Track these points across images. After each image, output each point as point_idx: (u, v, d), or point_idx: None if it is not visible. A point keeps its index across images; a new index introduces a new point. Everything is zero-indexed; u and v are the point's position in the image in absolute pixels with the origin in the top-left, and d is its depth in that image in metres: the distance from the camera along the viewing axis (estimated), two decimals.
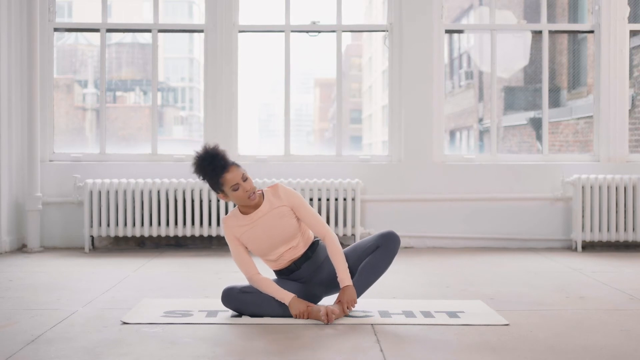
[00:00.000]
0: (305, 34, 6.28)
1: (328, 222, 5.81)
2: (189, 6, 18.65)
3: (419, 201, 6.04)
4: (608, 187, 5.78)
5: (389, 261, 3.40)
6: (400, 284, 4.23)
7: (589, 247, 5.96)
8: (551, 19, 7.55)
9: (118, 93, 9.70)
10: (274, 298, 3.29)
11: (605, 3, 6.07)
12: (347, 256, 3.42)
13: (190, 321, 3.24)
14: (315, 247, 3.43)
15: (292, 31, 6.20)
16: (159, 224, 5.81)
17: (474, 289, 4.13)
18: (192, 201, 5.83)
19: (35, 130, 5.84)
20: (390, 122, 6.18)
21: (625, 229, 5.80)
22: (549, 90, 6.27)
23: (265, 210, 3.34)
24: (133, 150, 6.30)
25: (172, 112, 15.25)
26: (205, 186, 5.75)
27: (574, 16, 8.23)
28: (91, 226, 5.78)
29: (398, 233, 3.48)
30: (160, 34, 6.31)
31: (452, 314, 3.38)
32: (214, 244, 6.01)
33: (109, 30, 6.30)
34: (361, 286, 3.36)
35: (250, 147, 7.01)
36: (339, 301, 3.27)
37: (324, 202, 5.82)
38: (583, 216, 5.80)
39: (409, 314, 3.40)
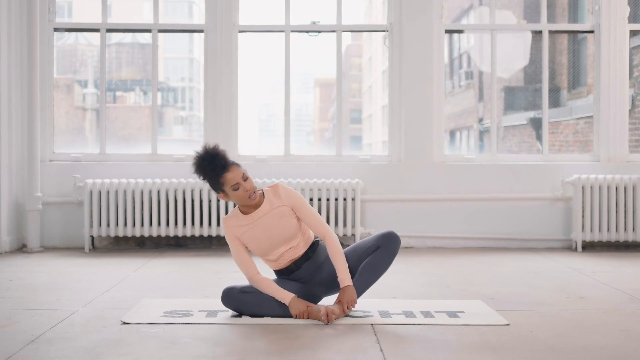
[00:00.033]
0: (305, 34, 6.28)
1: (328, 222, 5.81)
2: (189, 6, 18.65)
3: (419, 201, 6.04)
4: (608, 187, 5.78)
5: (389, 261, 3.40)
6: (400, 284, 4.23)
7: (589, 247, 5.96)
8: (551, 19, 7.55)
9: (118, 93, 9.70)
10: (274, 298, 3.29)
11: (605, 3, 6.07)
12: (348, 256, 3.42)
13: (190, 321, 3.24)
14: (315, 247, 3.43)
15: (292, 31, 6.20)
16: (159, 224, 5.81)
17: (474, 289, 4.13)
18: (192, 201, 5.83)
19: (35, 130, 5.84)
20: (390, 122, 6.18)
21: (625, 229, 5.80)
22: (549, 90, 6.27)
23: (266, 210, 3.34)
24: (133, 150, 6.30)
25: (172, 112, 15.25)
26: (205, 186, 5.75)
27: (574, 16, 8.23)
28: (91, 226, 5.78)
29: (398, 233, 3.48)
30: (160, 34, 6.31)
31: (452, 314, 3.38)
32: (214, 244, 6.01)
33: (109, 30, 6.31)
34: (361, 286, 3.36)
35: (250, 147, 7.01)
36: (339, 301, 3.27)
37: (324, 202, 5.82)
38: (583, 216, 5.80)
39: (409, 314, 3.40)
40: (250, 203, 3.30)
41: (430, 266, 5.06)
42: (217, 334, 3.05)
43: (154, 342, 2.91)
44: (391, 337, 2.99)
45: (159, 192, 5.80)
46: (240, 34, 6.19)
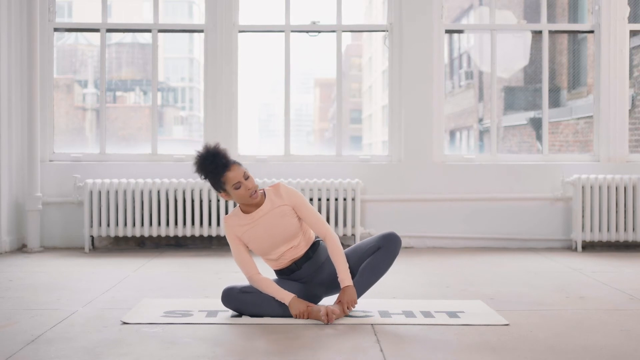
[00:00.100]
0: (305, 34, 6.28)
1: (328, 222, 5.81)
2: (189, 6, 18.65)
3: (419, 201, 6.04)
4: (608, 187, 5.78)
5: (389, 262, 3.40)
6: (400, 284, 4.23)
7: (589, 247, 5.96)
8: (551, 19, 7.55)
9: (118, 93, 9.70)
10: (274, 298, 3.29)
11: (605, 3, 6.07)
12: (348, 257, 3.42)
13: (190, 321, 3.24)
14: (316, 247, 3.43)
15: (292, 31, 6.20)
16: (159, 224, 5.81)
17: (474, 289, 4.13)
18: (192, 201, 5.83)
19: (35, 130, 5.84)
20: (390, 122, 6.18)
21: (625, 229, 5.80)
22: (549, 90, 6.27)
23: (267, 209, 3.34)
24: (133, 150, 6.30)
25: (172, 112, 15.25)
26: (205, 186, 5.75)
27: (574, 16, 8.23)
28: (91, 226, 5.78)
29: (398, 233, 3.48)
30: (160, 34, 6.31)
31: (452, 314, 3.38)
32: (214, 244, 6.01)
33: (109, 30, 6.31)
34: (362, 287, 3.36)
35: (250, 147, 7.01)
36: (339, 301, 3.27)
37: (324, 202, 5.82)
38: (583, 216, 5.80)
39: (409, 314, 3.40)
40: (252, 202, 3.30)
41: (430, 266, 5.07)
42: (217, 334, 3.05)
43: (154, 342, 2.91)
44: (391, 337, 2.99)
45: (159, 192, 5.80)
46: (240, 34, 6.19)
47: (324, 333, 3.05)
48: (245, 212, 3.36)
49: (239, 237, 3.36)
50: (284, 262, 3.40)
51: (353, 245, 3.54)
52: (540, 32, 6.24)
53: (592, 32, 6.22)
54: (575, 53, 8.19)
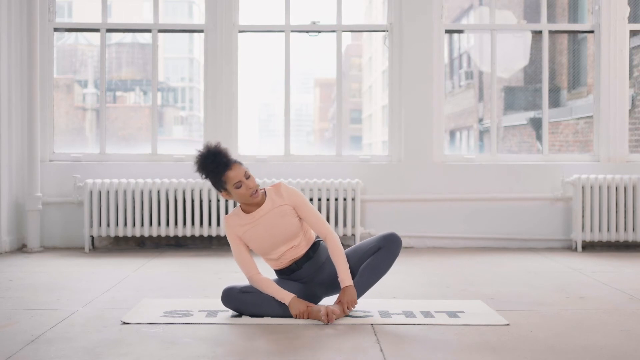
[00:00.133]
0: (305, 34, 6.28)
1: (328, 222, 5.80)
2: (189, 6, 18.64)
3: (419, 201, 6.04)
4: (608, 187, 5.78)
5: (390, 263, 3.40)
6: (400, 284, 4.23)
7: (589, 247, 5.96)
8: (551, 19, 7.55)
9: (118, 93, 9.70)
10: (274, 298, 3.29)
11: (605, 3, 6.07)
12: (348, 257, 3.42)
13: (190, 321, 3.24)
14: (316, 247, 3.43)
15: (292, 31, 6.20)
16: (159, 224, 5.81)
17: (474, 289, 4.13)
18: (192, 201, 5.83)
19: (35, 130, 5.84)
20: (390, 122, 6.18)
21: (625, 229, 5.80)
22: (549, 90, 6.27)
23: (268, 209, 3.34)
24: (133, 150, 6.30)
25: (172, 112, 15.25)
26: (205, 186, 5.75)
27: (574, 16, 8.23)
28: (91, 226, 5.78)
29: (398, 233, 3.48)
30: (160, 34, 6.31)
31: (452, 314, 3.38)
32: (214, 244, 6.01)
33: (109, 30, 6.31)
34: (362, 287, 3.36)
35: (250, 147, 7.01)
36: (339, 301, 3.27)
37: (324, 202, 5.82)
38: (583, 216, 5.80)
39: (409, 314, 3.40)
40: (252, 201, 3.30)
41: (430, 266, 5.07)
42: (217, 334, 3.05)
43: (154, 342, 2.91)
44: (391, 337, 2.99)
45: (159, 192, 5.80)
46: (240, 34, 6.19)
47: (324, 333, 3.05)
48: (246, 211, 3.36)
49: (239, 236, 3.36)
50: (285, 262, 3.40)
51: (353, 246, 3.54)
52: (540, 32, 6.24)
53: (592, 32, 6.22)
54: (575, 53, 8.19)
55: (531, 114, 9.02)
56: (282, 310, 3.28)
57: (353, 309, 3.33)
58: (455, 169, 6.06)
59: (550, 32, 6.33)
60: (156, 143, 6.18)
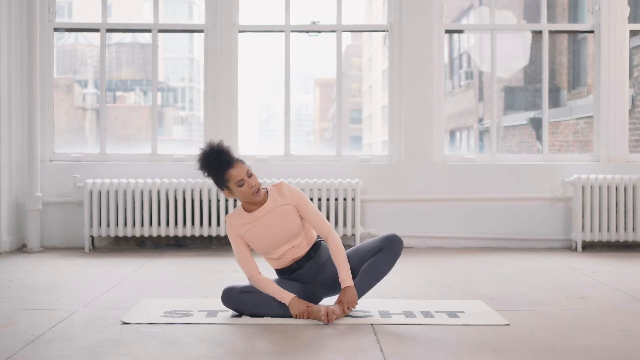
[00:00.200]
0: (305, 34, 6.28)
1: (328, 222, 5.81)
2: (189, 6, 18.64)
3: (419, 201, 6.04)
4: (608, 187, 5.78)
5: (391, 264, 3.40)
6: (400, 284, 4.23)
7: (589, 247, 5.96)
8: (551, 19, 7.55)
9: (118, 93, 9.70)
10: (274, 298, 3.29)
11: (605, 3, 6.07)
12: (350, 257, 3.42)
13: (190, 321, 3.24)
14: (318, 247, 3.43)
15: (292, 31, 6.20)
16: (159, 224, 5.81)
17: (474, 289, 4.13)
18: (192, 201, 5.83)
19: (35, 130, 5.84)
20: (390, 122, 6.18)
21: (625, 229, 5.80)
22: (549, 90, 6.27)
23: (269, 208, 3.34)
24: (133, 150, 6.30)
25: (172, 112, 15.25)
26: (205, 186, 5.75)
27: (574, 16, 8.23)
28: (91, 226, 5.78)
29: (398, 233, 3.49)
30: (160, 34, 6.31)
31: (452, 314, 3.38)
32: (214, 244, 6.01)
33: (109, 30, 6.31)
34: (362, 288, 3.36)
35: (250, 147, 7.01)
36: (339, 301, 3.27)
37: (324, 202, 5.82)
38: (583, 216, 5.80)
39: (409, 314, 3.40)
40: (254, 200, 3.30)
41: (430, 266, 5.07)
42: (217, 334, 3.05)
43: (154, 342, 2.91)
44: (391, 337, 2.99)
45: (159, 192, 5.80)
46: (240, 34, 6.19)
47: (324, 333, 3.05)
48: (247, 210, 3.36)
49: (241, 235, 3.36)
50: (286, 262, 3.40)
51: (355, 246, 3.54)
52: (540, 32, 6.24)
53: (592, 32, 6.22)
54: (575, 53, 8.19)
55: (531, 114, 9.02)
56: (282, 310, 3.28)
57: (353, 309, 3.33)
58: (455, 169, 6.06)
59: (550, 32, 6.33)
60: (156, 143, 6.18)
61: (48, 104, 6.08)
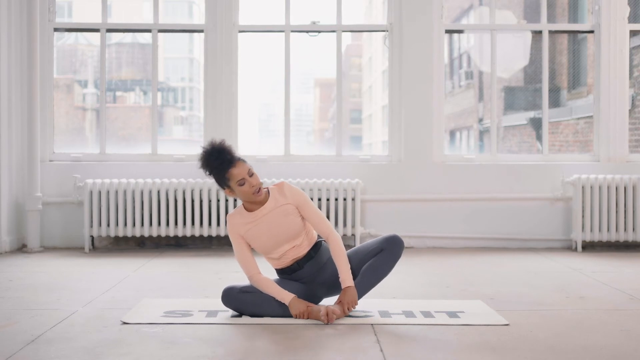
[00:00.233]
0: (305, 34, 6.28)
1: None
2: (189, 6, 18.64)
3: (419, 201, 6.04)
4: (608, 187, 5.78)
5: (391, 265, 3.40)
6: (400, 284, 4.23)
7: (589, 247, 5.96)
8: (551, 19, 7.55)
9: (118, 93, 9.70)
10: (274, 298, 3.29)
11: (605, 3, 6.07)
12: (350, 258, 3.42)
13: (190, 321, 3.24)
14: (318, 248, 3.43)
15: (292, 31, 6.20)
16: (159, 224, 5.81)
17: (474, 289, 4.13)
18: (192, 201, 5.83)
19: (35, 130, 5.84)
20: (390, 122, 6.18)
21: (625, 229, 5.80)
22: (549, 90, 6.27)
23: (270, 208, 3.34)
24: (133, 150, 6.30)
25: (172, 112, 15.25)
26: (205, 186, 5.75)
27: (574, 16, 8.23)
28: (91, 226, 5.78)
29: (398, 233, 3.49)
30: (160, 34, 6.31)
31: (452, 314, 3.38)
32: (214, 244, 6.01)
33: (109, 30, 6.31)
34: (363, 288, 3.36)
35: (250, 147, 7.02)
36: (339, 302, 3.27)
37: (324, 202, 5.82)
38: (583, 216, 5.80)
39: (409, 314, 3.40)
40: (256, 199, 3.30)
41: (430, 266, 5.07)
42: (217, 334, 3.05)
43: (154, 342, 2.91)
44: (391, 337, 2.99)
45: (159, 192, 5.80)
46: (240, 34, 6.19)
47: (324, 333, 3.05)
48: (248, 210, 3.36)
49: (241, 235, 3.36)
50: (286, 262, 3.40)
51: (355, 247, 3.54)
52: (540, 32, 6.24)
53: (592, 32, 6.22)
54: (575, 53, 8.20)
55: (531, 114, 9.02)
56: (282, 310, 3.28)
57: (353, 310, 3.33)
58: (455, 169, 6.06)
59: (550, 32, 6.33)
60: (156, 143, 6.18)
61: (48, 104, 6.08)
